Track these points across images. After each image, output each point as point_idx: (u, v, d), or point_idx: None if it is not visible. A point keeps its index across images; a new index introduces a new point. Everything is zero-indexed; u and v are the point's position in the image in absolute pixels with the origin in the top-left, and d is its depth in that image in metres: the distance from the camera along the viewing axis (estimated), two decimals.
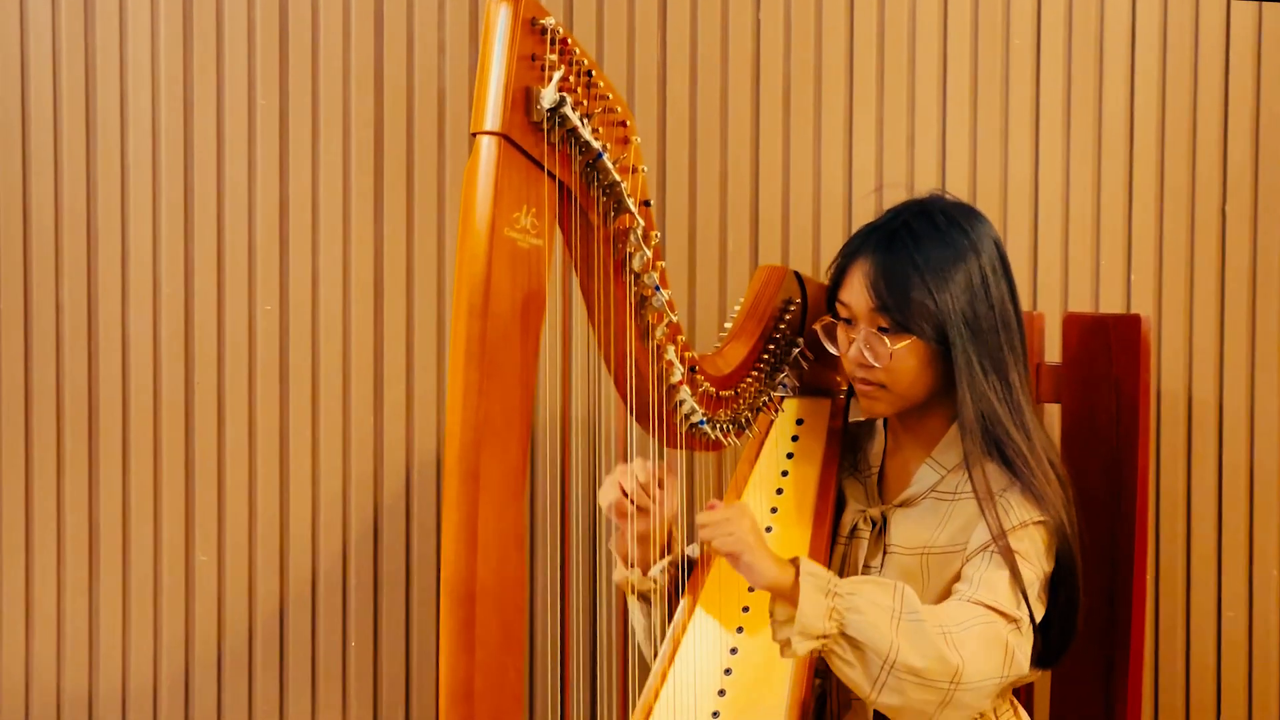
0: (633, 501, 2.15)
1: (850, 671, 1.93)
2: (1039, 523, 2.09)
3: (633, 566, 2.22)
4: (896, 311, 2.10)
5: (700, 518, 1.96)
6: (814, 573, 1.92)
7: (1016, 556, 2.04)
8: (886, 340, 2.12)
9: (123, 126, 2.83)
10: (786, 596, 1.93)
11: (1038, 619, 2.07)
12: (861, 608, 1.91)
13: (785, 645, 1.92)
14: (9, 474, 2.84)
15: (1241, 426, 2.79)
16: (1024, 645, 2.02)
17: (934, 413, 2.20)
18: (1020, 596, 2.03)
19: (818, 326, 2.25)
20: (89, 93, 2.83)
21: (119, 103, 2.82)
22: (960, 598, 2.03)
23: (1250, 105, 2.78)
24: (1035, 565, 2.07)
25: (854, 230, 2.26)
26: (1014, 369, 2.12)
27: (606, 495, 2.18)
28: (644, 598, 2.23)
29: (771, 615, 1.95)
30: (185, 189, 2.83)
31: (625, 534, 2.19)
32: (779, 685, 2.05)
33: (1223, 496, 2.80)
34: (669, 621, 2.17)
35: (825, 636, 1.91)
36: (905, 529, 2.18)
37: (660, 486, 2.17)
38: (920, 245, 2.11)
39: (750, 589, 2.15)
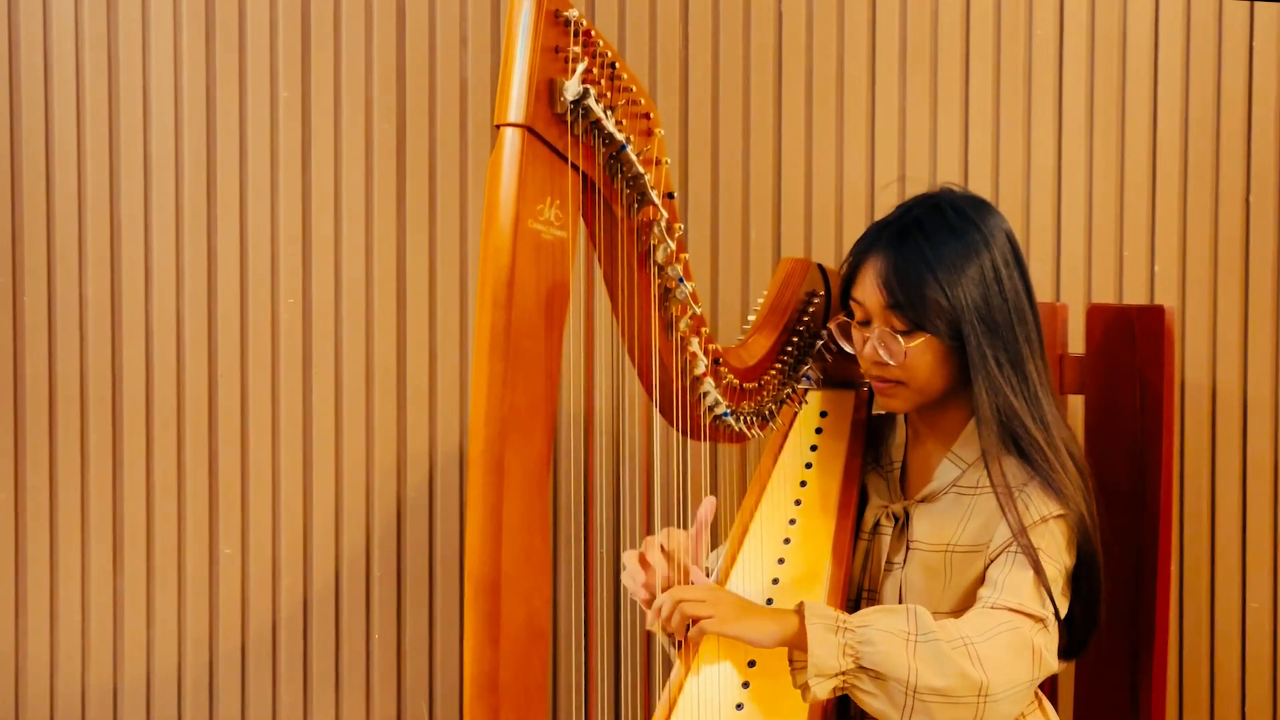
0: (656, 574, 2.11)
1: (875, 702, 1.92)
2: (1059, 517, 2.08)
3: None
4: (910, 309, 2.09)
5: (673, 594, 1.94)
6: (820, 613, 1.91)
7: (1039, 553, 2.04)
8: (901, 338, 2.11)
9: (145, 120, 2.83)
10: (796, 644, 1.92)
11: (1062, 614, 2.06)
12: (873, 639, 1.90)
13: (805, 689, 1.90)
14: (34, 467, 2.85)
15: (1266, 418, 2.78)
16: (1051, 643, 2.02)
17: (953, 407, 2.19)
18: (1045, 594, 2.02)
19: (832, 325, 2.24)
20: (112, 87, 2.83)
21: (142, 97, 2.83)
22: (984, 604, 2.02)
23: (1274, 95, 2.77)
24: (1057, 560, 2.06)
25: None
26: (1030, 361, 2.11)
27: (634, 578, 2.11)
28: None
29: (790, 662, 1.94)
30: (208, 182, 2.84)
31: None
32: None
33: (1247, 488, 2.79)
34: None
35: (843, 673, 1.90)
36: (928, 525, 2.17)
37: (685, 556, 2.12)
38: (931, 241, 2.10)
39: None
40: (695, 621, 1.93)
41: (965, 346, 2.09)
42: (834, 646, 1.89)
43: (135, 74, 2.83)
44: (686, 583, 2.08)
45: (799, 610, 1.92)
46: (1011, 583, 2.03)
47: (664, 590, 2.04)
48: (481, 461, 1.70)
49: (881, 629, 1.91)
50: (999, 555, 2.07)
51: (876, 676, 1.90)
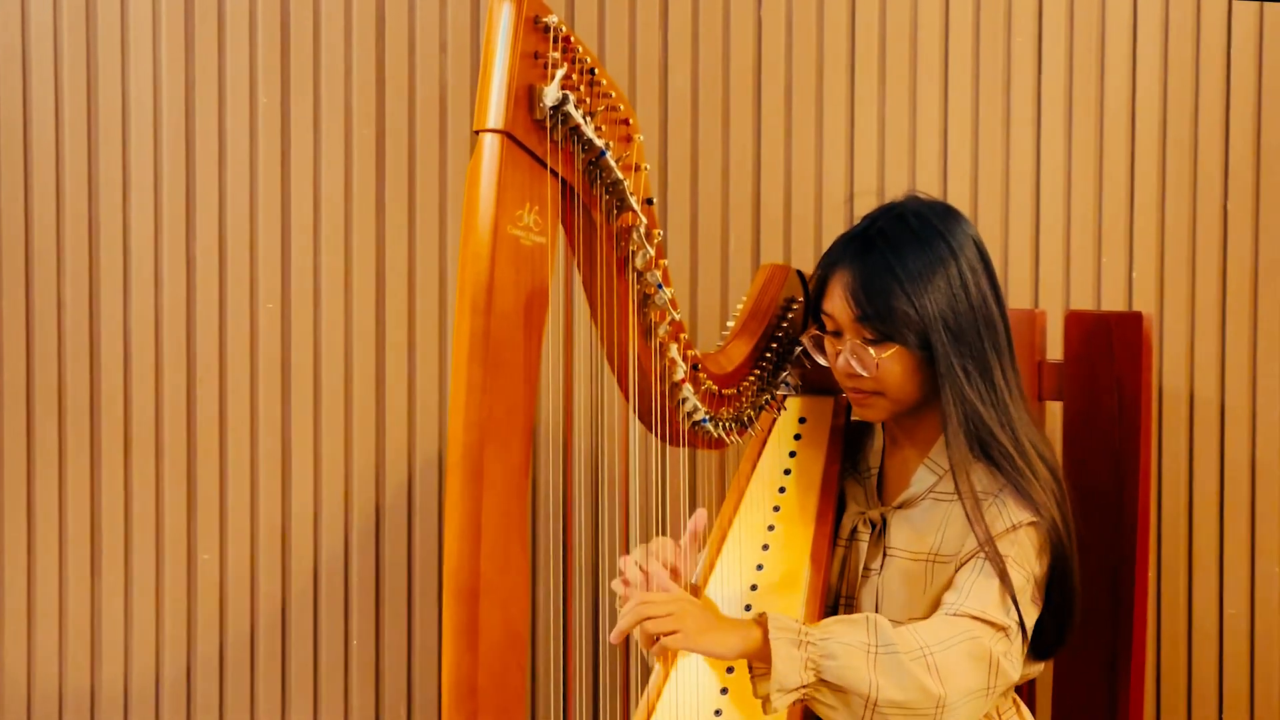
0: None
1: (835, 715, 1.92)
2: (1031, 524, 2.07)
3: None
4: (879, 321, 2.09)
5: (637, 609, 1.92)
6: (783, 626, 1.90)
7: (1006, 561, 2.03)
8: (872, 349, 2.11)
9: (124, 125, 2.83)
10: (759, 656, 1.91)
11: (1030, 622, 2.06)
12: (836, 652, 1.90)
13: (765, 701, 1.90)
14: (11, 471, 2.84)
15: (1243, 424, 2.79)
16: (1012, 653, 2.01)
17: (928, 414, 2.19)
18: (1010, 603, 2.02)
19: (805, 339, 2.24)
20: (91, 91, 2.83)
21: (121, 101, 2.83)
22: (947, 610, 2.02)
23: (1252, 102, 2.78)
24: (1025, 568, 2.05)
25: None
26: (998, 368, 2.11)
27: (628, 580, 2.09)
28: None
29: (750, 670, 1.93)
30: (187, 187, 2.83)
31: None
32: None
33: (1224, 494, 2.80)
34: None
35: (804, 687, 1.90)
36: (905, 532, 2.17)
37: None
38: (898, 252, 2.09)
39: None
40: (659, 637, 1.92)
41: (934, 355, 2.09)
42: (797, 661, 1.89)
43: (114, 79, 2.82)
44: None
45: (761, 622, 1.92)
46: (977, 589, 2.03)
47: (624, 601, 2.03)
48: (460, 467, 1.70)
49: (843, 642, 1.91)
50: (967, 561, 2.07)
51: (837, 690, 1.90)
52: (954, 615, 2.01)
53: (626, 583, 2.07)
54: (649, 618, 1.91)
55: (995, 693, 2.00)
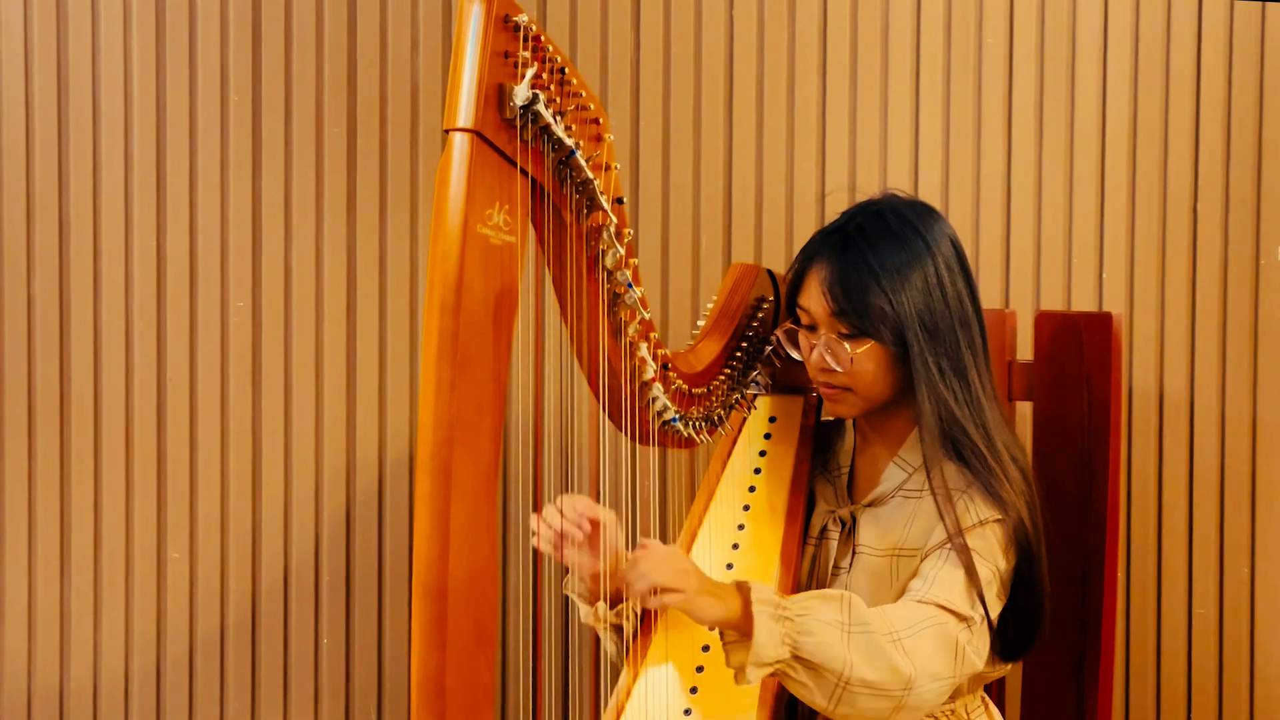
0: (575, 529, 2.11)
1: (805, 691, 1.93)
2: (997, 521, 2.08)
3: (599, 602, 2.19)
4: (854, 316, 2.10)
5: (630, 561, 1.92)
6: (764, 599, 1.91)
7: (973, 555, 2.04)
8: (847, 345, 2.12)
9: (95, 123, 2.82)
10: (737, 626, 1.92)
11: (994, 616, 2.07)
12: (813, 629, 1.90)
13: (739, 673, 1.91)
14: None
15: (1212, 424, 2.80)
16: (976, 643, 2.02)
17: (899, 412, 2.20)
18: (975, 595, 2.03)
19: (779, 332, 2.25)
20: (61, 90, 2.82)
21: (91, 99, 2.82)
22: (913, 596, 2.03)
23: (1221, 105, 2.79)
24: (991, 563, 2.06)
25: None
26: (973, 367, 2.12)
27: (545, 536, 2.10)
28: (617, 628, 2.21)
29: (723, 640, 1.94)
30: (158, 185, 2.82)
31: (574, 568, 2.16)
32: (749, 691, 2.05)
33: (1193, 494, 2.81)
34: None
35: (779, 662, 1.91)
36: (873, 529, 2.18)
37: (594, 525, 2.11)
38: (875, 248, 2.11)
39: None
40: (659, 591, 1.91)
41: (909, 353, 2.10)
42: (776, 635, 1.89)
43: (85, 78, 2.81)
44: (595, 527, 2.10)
45: (743, 591, 1.92)
46: (943, 578, 2.04)
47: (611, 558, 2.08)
48: (429, 467, 1.70)
49: (820, 619, 1.91)
50: (934, 551, 2.08)
51: (810, 666, 1.91)
52: (920, 601, 2.01)
53: (561, 536, 2.09)
54: (653, 572, 1.90)
55: (957, 681, 2.01)
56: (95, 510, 2.84)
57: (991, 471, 2.09)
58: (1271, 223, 2.78)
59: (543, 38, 1.78)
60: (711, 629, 2.03)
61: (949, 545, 2.06)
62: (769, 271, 2.33)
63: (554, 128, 1.81)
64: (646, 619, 2.16)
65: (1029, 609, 2.14)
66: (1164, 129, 2.80)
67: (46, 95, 2.81)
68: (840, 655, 1.90)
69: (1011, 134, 2.82)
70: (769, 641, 1.89)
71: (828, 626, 1.91)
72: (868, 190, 2.31)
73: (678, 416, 2.14)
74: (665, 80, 2.83)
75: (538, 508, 2.10)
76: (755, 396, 2.35)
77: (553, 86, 1.81)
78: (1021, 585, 2.12)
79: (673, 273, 2.83)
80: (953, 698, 2.14)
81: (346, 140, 2.82)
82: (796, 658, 1.90)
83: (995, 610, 2.08)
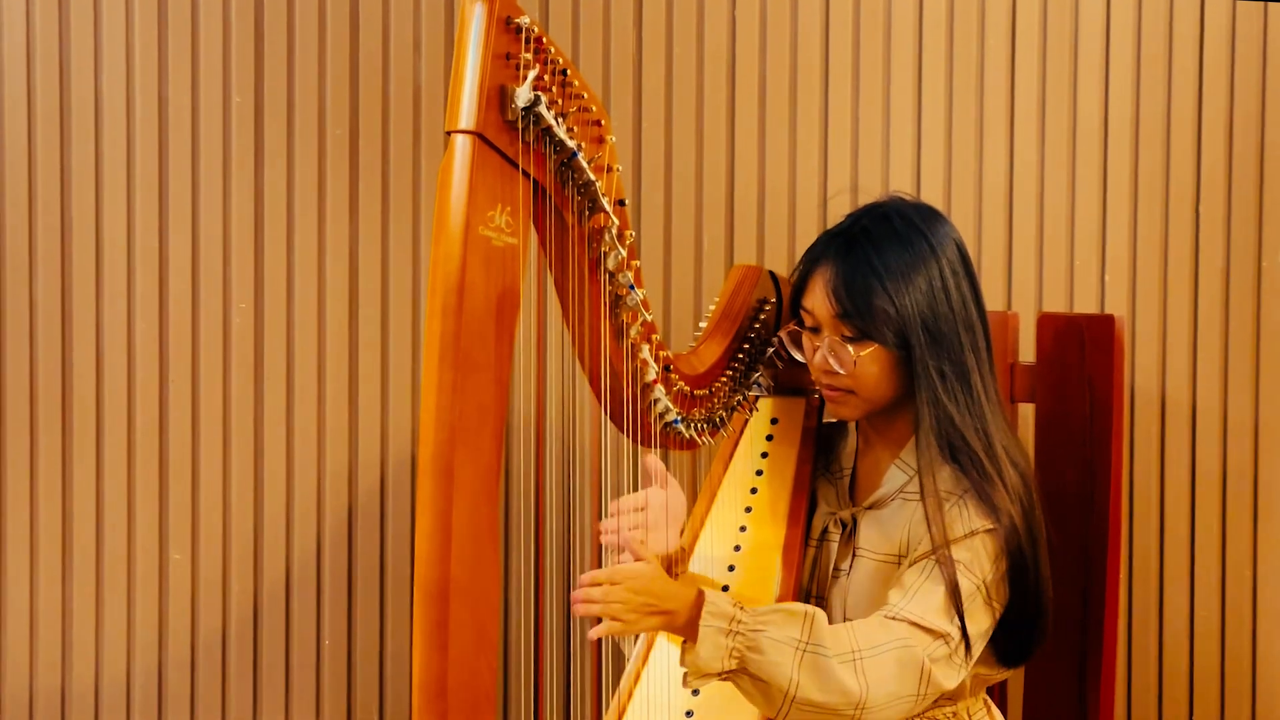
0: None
1: (751, 700, 1.95)
2: (989, 531, 2.07)
3: None
4: (859, 319, 2.10)
5: (577, 592, 1.93)
6: (717, 613, 1.92)
7: (958, 567, 2.03)
8: (850, 347, 2.11)
9: (97, 125, 2.82)
10: (688, 635, 1.94)
11: (979, 629, 2.06)
12: (763, 647, 1.91)
13: (685, 677, 1.93)
14: None
15: (1215, 426, 2.80)
16: (946, 663, 2.01)
17: (902, 414, 2.20)
18: (953, 611, 2.02)
19: (783, 334, 2.24)
20: (63, 91, 2.82)
21: (93, 101, 2.82)
22: (887, 612, 2.02)
23: (1224, 106, 2.79)
24: (976, 576, 2.05)
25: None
26: (976, 372, 2.12)
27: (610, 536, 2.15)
28: None
29: (682, 638, 1.96)
30: (160, 187, 2.82)
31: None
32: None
33: (1196, 496, 2.81)
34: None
35: (724, 673, 1.92)
36: (874, 532, 2.18)
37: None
38: (880, 251, 2.10)
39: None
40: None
41: (911, 356, 2.10)
42: (722, 649, 1.91)
43: (87, 80, 2.81)
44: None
45: (698, 602, 1.93)
46: (921, 593, 2.03)
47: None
48: (431, 469, 1.70)
49: (773, 638, 1.92)
50: (918, 561, 2.07)
51: (757, 680, 1.92)
52: (892, 619, 2.01)
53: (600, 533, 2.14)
54: (587, 600, 1.91)
55: (926, 700, 2.01)
56: (97, 511, 2.84)
57: (988, 477, 2.08)
58: (1274, 225, 2.78)
59: (544, 39, 1.78)
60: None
61: (933, 557, 2.05)
62: (771, 273, 2.33)
63: (556, 129, 1.81)
64: None
65: (1023, 616, 2.13)
66: (1166, 131, 2.80)
67: (49, 97, 2.81)
68: (786, 675, 1.91)
69: (1014, 135, 2.81)
70: (712, 655, 1.91)
71: (780, 645, 1.92)
72: (870, 191, 2.31)
73: (680, 418, 2.14)
74: (668, 82, 2.83)
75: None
76: (757, 398, 2.35)
77: (554, 88, 1.81)
78: (1015, 592, 2.11)
79: (675, 274, 2.83)
80: (954, 699, 2.13)
81: (349, 142, 2.82)
82: (744, 670, 1.92)
83: (983, 622, 2.06)
